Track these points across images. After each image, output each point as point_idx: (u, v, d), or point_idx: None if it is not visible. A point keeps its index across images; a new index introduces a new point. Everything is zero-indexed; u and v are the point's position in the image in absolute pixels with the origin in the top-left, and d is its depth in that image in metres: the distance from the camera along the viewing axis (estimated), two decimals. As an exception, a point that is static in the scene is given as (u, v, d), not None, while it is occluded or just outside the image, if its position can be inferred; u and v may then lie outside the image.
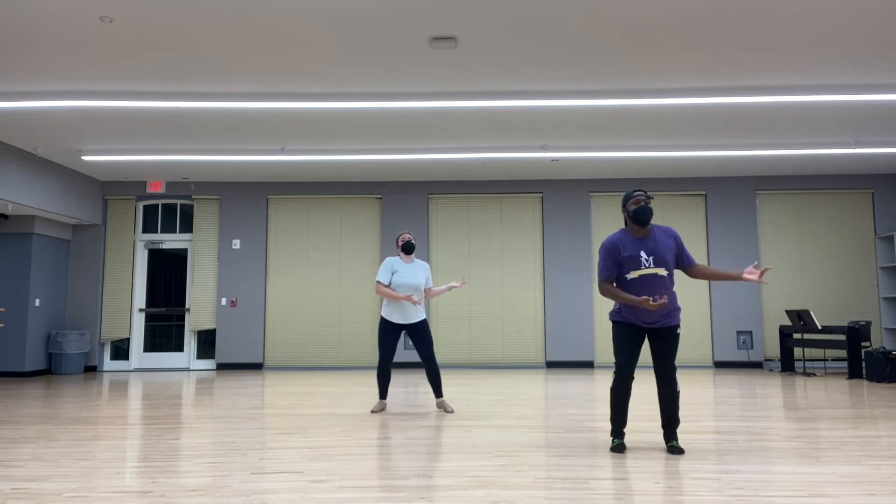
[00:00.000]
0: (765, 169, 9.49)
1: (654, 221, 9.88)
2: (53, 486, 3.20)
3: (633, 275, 3.75)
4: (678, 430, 4.56)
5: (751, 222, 9.87)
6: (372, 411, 5.49)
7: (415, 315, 5.42)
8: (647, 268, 3.73)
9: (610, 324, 9.81)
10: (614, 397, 3.91)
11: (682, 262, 3.87)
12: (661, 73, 5.79)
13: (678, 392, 3.88)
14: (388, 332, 5.41)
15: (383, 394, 5.52)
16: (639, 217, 3.76)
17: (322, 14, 4.67)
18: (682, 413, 5.33)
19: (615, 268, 3.81)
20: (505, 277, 9.96)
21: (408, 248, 5.53)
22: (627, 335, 3.86)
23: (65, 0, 4.41)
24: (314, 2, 4.49)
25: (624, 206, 3.88)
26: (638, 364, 9.73)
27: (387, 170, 9.32)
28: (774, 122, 7.18)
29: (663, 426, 3.92)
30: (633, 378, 3.90)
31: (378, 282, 5.40)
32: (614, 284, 3.86)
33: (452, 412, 5.44)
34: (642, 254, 3.76)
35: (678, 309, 3.87)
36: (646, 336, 3.90)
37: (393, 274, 5.41)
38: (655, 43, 5.18)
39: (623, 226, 3.97)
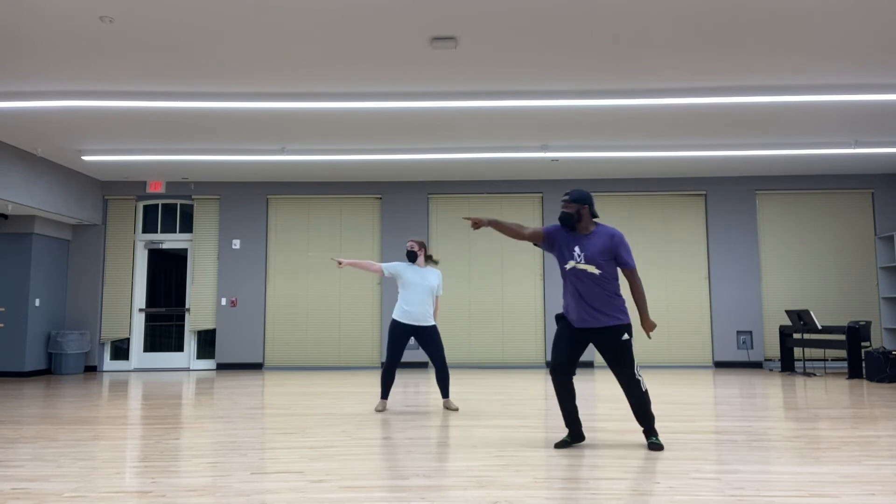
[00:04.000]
0: (765, 169, 9.49)
1: (651, 221, 9.93)
2: (53, 486, 3.20)
3: (568, 265, 3.98)
4: (659, 426, 4.68)
5: (751, 222, 9.87)
6: (376, 409, 5.55)
7: (424, 319, 5.44)
8: (577, 262, 3.94)
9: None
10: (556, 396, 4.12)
11: (619, 263, 3.98)
12: (661, 73, 5.79)
13: (644, 392, 3.96)
14: (398, 335, 5.43)
15: (385, 394, 5.57)
16: (561, 221, 4.04)
17: (322, 14, 4.67)
18: (683, 413, 5.33)
19: (558, 256, 4.05)
20: (505, 277, 9.96)
21: (410, 257, 5.61)
22: (562, 333, 4.04)
23: (65, 0, 4.42)
24: (314, 2, 4.49)
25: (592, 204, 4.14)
26: (644, 363, 9.72)
27: (387, 170, 9.32)
28: (774, 122, 7.18)
29: (640, 425, 4.17)
30: (567, 377, 3.99)
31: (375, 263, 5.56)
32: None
33: (457, 410, 5.53)
34: (576, 249, 3.98)
35: (618, 313, 3.93)
36: (588, 340, 4.00)
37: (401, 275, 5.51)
38: (655, 43, 5.18)
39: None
